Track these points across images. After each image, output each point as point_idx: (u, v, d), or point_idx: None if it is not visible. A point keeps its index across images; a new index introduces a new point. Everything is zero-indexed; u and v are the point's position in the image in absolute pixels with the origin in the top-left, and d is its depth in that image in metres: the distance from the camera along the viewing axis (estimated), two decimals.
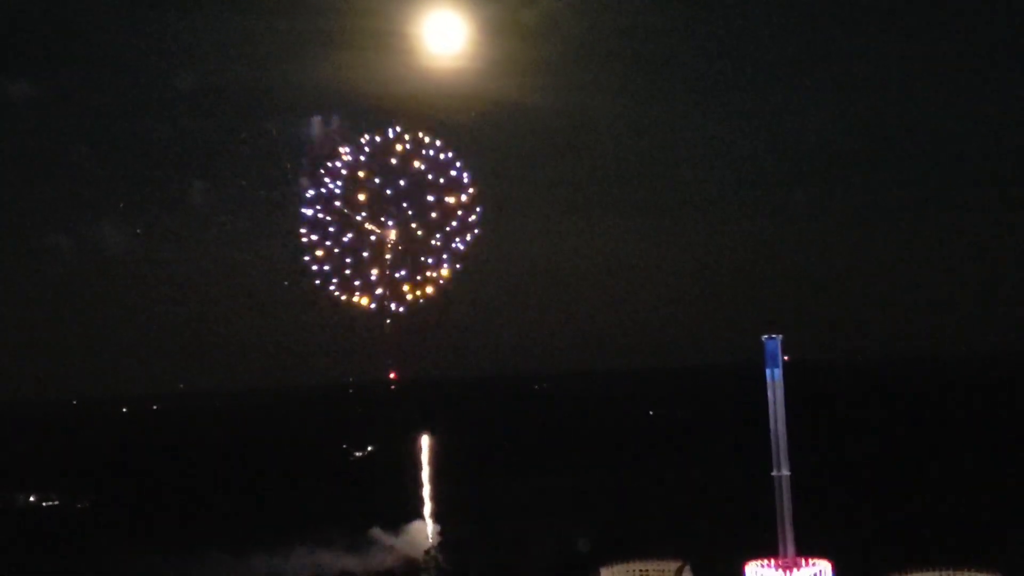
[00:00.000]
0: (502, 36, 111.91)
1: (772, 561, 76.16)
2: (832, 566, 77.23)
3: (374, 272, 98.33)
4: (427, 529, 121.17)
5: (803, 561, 76.08)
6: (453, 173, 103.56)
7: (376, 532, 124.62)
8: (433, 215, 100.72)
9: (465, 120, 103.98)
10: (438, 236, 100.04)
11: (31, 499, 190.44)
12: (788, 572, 75.02)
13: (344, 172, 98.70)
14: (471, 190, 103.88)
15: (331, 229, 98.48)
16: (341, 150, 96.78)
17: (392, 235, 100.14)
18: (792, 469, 77.11)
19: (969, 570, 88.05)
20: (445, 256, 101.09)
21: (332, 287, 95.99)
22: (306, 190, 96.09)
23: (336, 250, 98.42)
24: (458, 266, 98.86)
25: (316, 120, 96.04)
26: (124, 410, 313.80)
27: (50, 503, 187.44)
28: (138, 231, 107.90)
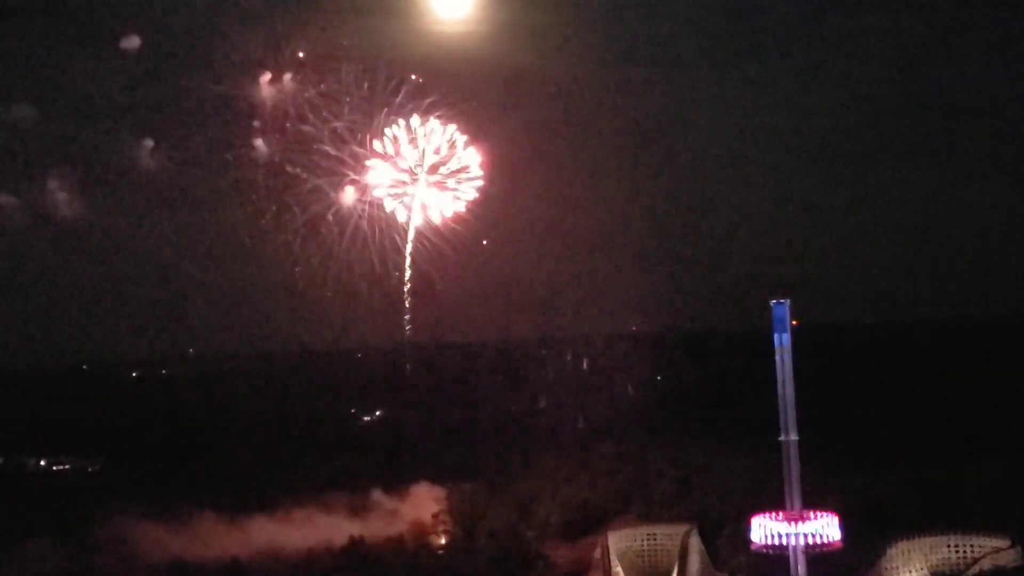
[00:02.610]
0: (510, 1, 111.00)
1: (779, 514, 76.15)
2: (839, 520, 77.23)
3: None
4: (434, 492, 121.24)
5: (810, 514, 76.00)
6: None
7: (383, 496, 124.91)
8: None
9: (472, 83, 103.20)
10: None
11: (42, 463, 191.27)
12: (794, 523, 74.92)
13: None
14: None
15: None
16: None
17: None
18: (800, 433, 77.12)
19: (979, 534, 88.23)
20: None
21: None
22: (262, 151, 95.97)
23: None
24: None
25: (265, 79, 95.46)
26: (134, 375, 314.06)
27: (60, 467, 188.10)
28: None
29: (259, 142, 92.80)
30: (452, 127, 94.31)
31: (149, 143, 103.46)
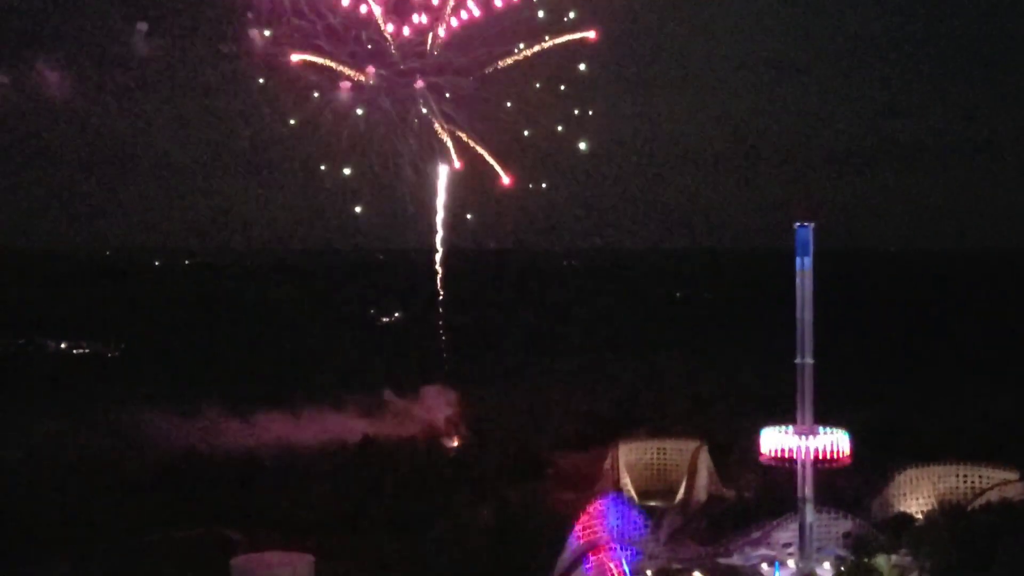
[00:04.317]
0: None
1: (789, 427, 76.28)
2: (849, 438, 77.21)
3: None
4: (447, 396, 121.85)
5: (819, 428, 76.06)
6: None
7: (397, 398, 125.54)
8: None
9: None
10: None
11: (63, 346, 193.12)
12: (803, 436, 75.01)
13: None
14: None
15: None
16: None
17: None
18: (816, 357, 77.17)
19: (988, 465, 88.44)
20: None
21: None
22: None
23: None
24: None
25: None
26: (156, 263, 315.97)
27: (80, 351, 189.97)
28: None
29: (254, 32, 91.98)
30: None
31: (143, 27, 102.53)
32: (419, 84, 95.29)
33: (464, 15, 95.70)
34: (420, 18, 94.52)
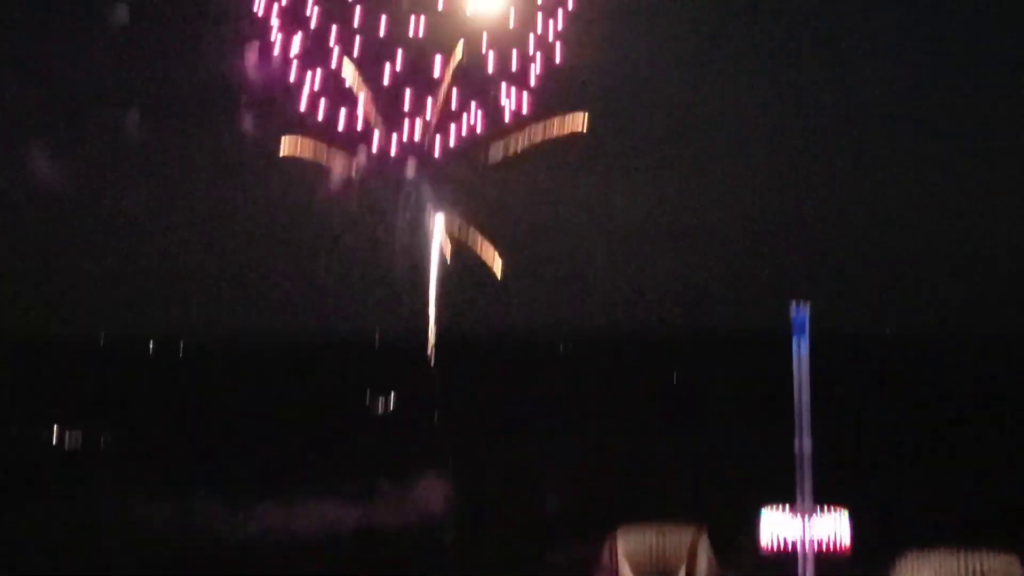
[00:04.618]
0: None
1: (788, 507, 75.13)
2: (850, 522, 76.18)
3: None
4: (444, 483, 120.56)
5: (820, 509, 74.93)
6: None
7: (392, 485, 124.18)
8: None
9: (503, 68, 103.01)
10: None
11: (53, 433, 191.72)
12: (804, 518, 73.82)
13: None
14: None
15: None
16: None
17: None
18: (815, 441, 76.21)
19: (990, 552, 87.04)
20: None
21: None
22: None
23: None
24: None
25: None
26: (151, 350, 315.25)
27: (71, 437, 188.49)
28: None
29: (248, 118, 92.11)
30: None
31: (135, 114, 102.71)
32: (411, 169, 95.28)
33: (463, 126, 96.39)
34: (414, 126, 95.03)
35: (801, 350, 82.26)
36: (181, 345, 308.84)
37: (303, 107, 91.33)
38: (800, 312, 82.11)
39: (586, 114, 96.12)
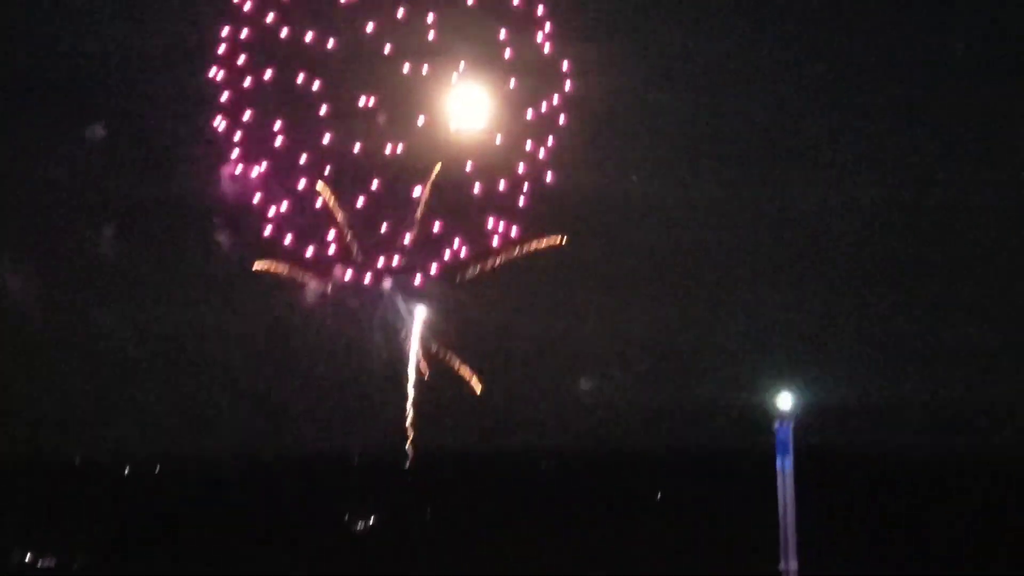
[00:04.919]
0: (523, 111, 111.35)
1: None
2: None
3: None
4: None
5: None
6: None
7: None
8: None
9: (488, 189, 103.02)
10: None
11: (26, 559, 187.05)
12: None
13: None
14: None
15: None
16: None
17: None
18: (801, 562, 74.53)
19: None
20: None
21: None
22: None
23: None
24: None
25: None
26: (126, 472, 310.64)
27: (46, 564, 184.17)
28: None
29: (222, 235, 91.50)
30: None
31: (109, 231, 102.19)
32: (387, 284, 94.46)
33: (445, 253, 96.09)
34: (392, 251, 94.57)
35: (785, 468, 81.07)
36: (157, 468, 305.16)
37: (268, 232, 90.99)
38: (784, 429, 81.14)
39: (564, 236, 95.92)
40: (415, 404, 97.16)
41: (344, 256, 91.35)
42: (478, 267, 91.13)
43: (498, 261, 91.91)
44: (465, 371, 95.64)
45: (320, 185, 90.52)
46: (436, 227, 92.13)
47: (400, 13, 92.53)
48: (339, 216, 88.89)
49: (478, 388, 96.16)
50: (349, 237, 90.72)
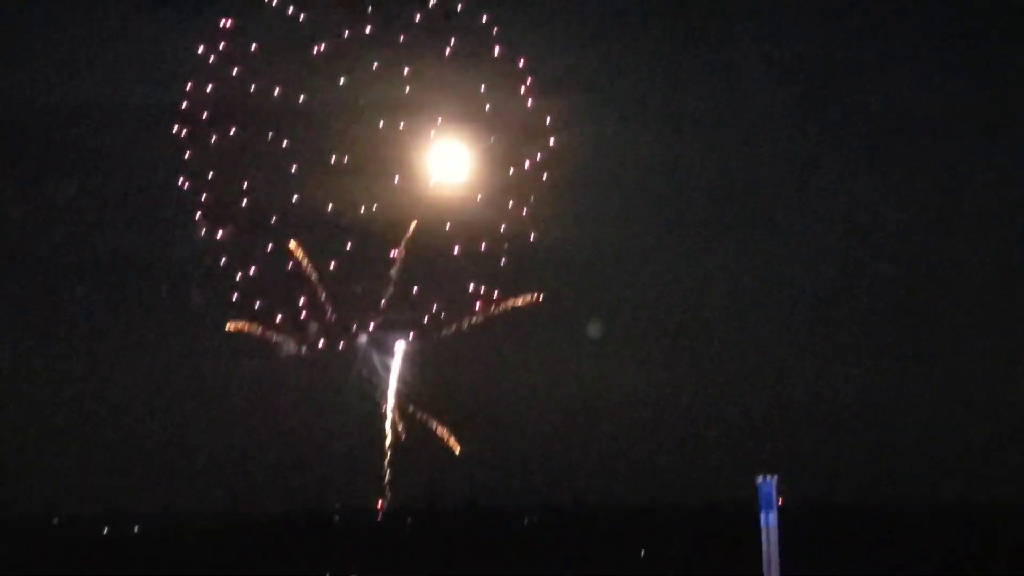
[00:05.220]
0: (505, 166, 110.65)
1: None
2: None
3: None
4: None
5: None
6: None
7: None
8: None
9: (472, 246, 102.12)
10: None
11: None
12: None
13: None
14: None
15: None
16: None
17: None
18: None
19: None
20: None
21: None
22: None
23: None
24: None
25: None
26: (104, 531, 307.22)
27: None
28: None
29: (196, 295, 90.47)
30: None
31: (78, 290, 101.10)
32: (362, 340, 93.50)
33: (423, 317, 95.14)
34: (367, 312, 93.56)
35: (769, 523, 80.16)
36: (136, 528, 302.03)
37: (235, 297, 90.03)
38: (767, 485, 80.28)
39: (541, 295, 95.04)
40: (391, 463, 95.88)
41: (318, 317, 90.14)
42: (454, 327, 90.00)
43: (475, 320, 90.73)
44: (443, 431, 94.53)
45: (292, 245, 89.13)
46: (414, 290, 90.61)
47: (374, 66, 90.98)
48: (312, 276, 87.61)
49: (457, 448, 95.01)
50: (323, 297, 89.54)
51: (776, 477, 72.29)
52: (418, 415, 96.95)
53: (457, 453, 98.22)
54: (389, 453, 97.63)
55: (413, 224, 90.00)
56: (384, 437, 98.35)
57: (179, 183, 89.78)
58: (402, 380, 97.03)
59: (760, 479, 72.71)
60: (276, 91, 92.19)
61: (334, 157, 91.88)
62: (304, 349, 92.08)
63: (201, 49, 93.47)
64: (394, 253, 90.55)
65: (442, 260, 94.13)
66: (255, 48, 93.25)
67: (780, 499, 73.49)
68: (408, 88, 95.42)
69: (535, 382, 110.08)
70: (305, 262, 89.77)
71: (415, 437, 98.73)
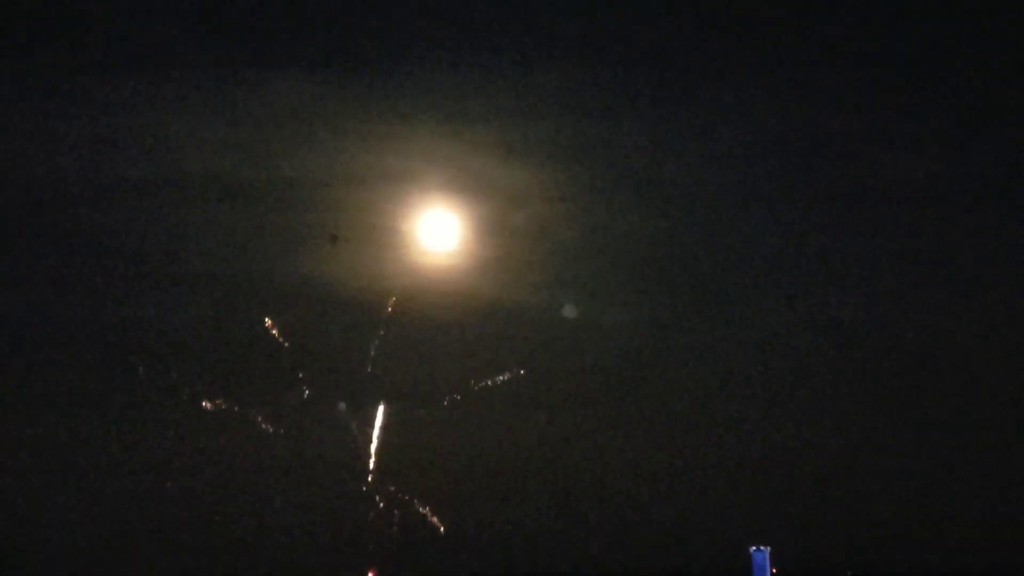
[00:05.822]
0: (493, 235, 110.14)
1: None
2: None
3: None
4: None
5: None
6: None
7: None
8: None
9: (455, 317, 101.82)
10: None
11: None
12: None
13: None
14: None
15: None
16: None
17: None
18: None
19: None
20: None
21: None
22: None
23: None
24: None
25: None
26: None
27: None
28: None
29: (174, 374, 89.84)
30: None
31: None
32: (341, 408, 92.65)
33: None
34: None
35: None
36: None
37: (212, 373, 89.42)
38: (759, 556, 78.98)
39: (523, 369, 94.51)
40: (374, 540, 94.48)
41: (296, 391, 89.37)
42: (437, 400, 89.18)
43: (457, 396, 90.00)
44: (425, 509, 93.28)
45: (267, 322, 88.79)
46: (395, 363, 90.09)
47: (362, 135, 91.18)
48: (289, 350, 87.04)
49: (441, 527, 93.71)
50: (300, 375, 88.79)
51: (769, 549, 70.97)
52: (400, 495, 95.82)
53: (441, 527, 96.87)
54: (374, 532, 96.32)
55: (392, 299, 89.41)
56: (367, 513, 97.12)
57: (158, 255, 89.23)
58: (382, 454, 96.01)
59: (753, 550, 71.42)
60: (259, 163, 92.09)
61: (313, 228, 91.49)
62: (281, 426, 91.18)
63: (187, 123, 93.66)
64: (375, 326, 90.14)
65: (424, 331, 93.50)
66: (238, 120, 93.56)
67: (773, 570, 72.34)
68: (392, 157, 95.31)
69: (519, 456, 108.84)
70: (281, 339, 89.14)
71: (397, 515, 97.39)
